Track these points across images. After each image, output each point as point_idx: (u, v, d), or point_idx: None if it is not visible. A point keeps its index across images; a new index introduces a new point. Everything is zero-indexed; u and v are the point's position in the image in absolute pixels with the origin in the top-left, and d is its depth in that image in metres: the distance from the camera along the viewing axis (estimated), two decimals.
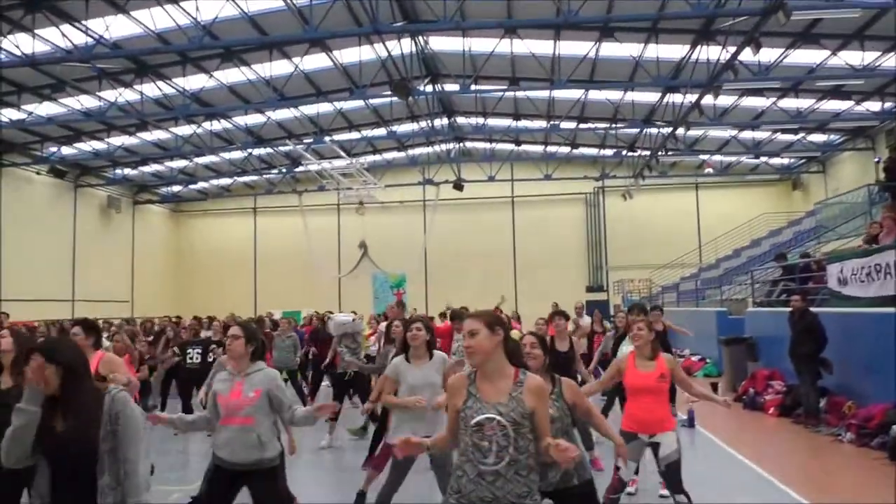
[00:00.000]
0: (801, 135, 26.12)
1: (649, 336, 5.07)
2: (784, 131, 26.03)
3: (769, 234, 27.10)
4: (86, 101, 21.23)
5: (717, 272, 23.63)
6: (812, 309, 10.49)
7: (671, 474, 4.92)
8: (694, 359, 16.59)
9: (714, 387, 12.74)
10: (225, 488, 4.16)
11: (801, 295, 9.84)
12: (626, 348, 6.28)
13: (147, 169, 30.81)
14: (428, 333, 5.24)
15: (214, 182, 33.87)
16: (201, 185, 34.32)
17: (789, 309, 10.01)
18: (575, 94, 23.38)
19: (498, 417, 2.81)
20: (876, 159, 22.45)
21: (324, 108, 24.73)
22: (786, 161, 30.83)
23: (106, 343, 11.23)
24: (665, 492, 6.16)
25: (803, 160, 30.00)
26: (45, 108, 21.55)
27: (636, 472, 6.31)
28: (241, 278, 36.34)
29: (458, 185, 29.56)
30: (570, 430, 3.80)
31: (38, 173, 26.23)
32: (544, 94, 23.82)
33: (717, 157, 30.66)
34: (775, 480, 6.60)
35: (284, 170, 31.26)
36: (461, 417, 2.90)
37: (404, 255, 33.09)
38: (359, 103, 24.45)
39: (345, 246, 35.31)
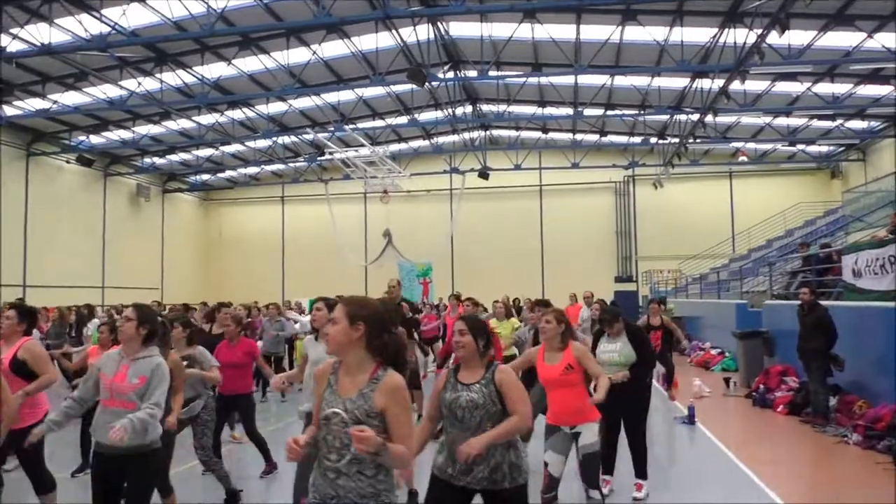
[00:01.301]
0: (838, 121, 25.13)
1: (557, 329, 4.84)
2: (820, 118, 25.08)
3: (805, 224, 26.20)
4: (109, 91, 21.44)
5: (747, 263, 22.90)
6: (827, 302, 9.98)
7: (588, 466, 4.73)
8: (714, 352, 16.06)
9: (727, 382, 12.33)
10: (108, 476, 4.00)
11: (809, 287, 9.33)
12: (610, 345, 5.97)
13: (174, 157, 31.15)
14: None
15: (242, 170, 34.11)
16: (229, 173, 34.60)
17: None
18: (600, 79, 22.85)
19: (342, 413, 2.64)
20: None
21: (345, 95, 24.62)
22: (824, 149, 29.76)
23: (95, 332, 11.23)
24: (639, 494, 5.88)
25: (842, 148, 28.91)
26: (71, 98, 21.86)
27: (607, 472, 6.03)
28: (270, 266, 36.64)
29: (484, 174, 29.25)
30: (501, 419, 3.45)
31: (67, 162, 26.68)
32: (569, 80, 23.29)
33: (752, 145, 29.75)
34: (764, 486, 6.21)
35: (309, 158, 31.24)
36: (321, 409, 2.77)
37: (431, 244, 32.91)
38: (380, 91, 24.22)
39: (371, 234, 35.31)
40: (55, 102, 21.61)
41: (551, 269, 33.58)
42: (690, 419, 9.09)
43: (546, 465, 4.76)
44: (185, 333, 6.02)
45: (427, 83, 19.37)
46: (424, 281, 34.10)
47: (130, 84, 20.49)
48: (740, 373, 12.71)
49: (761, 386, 10.92)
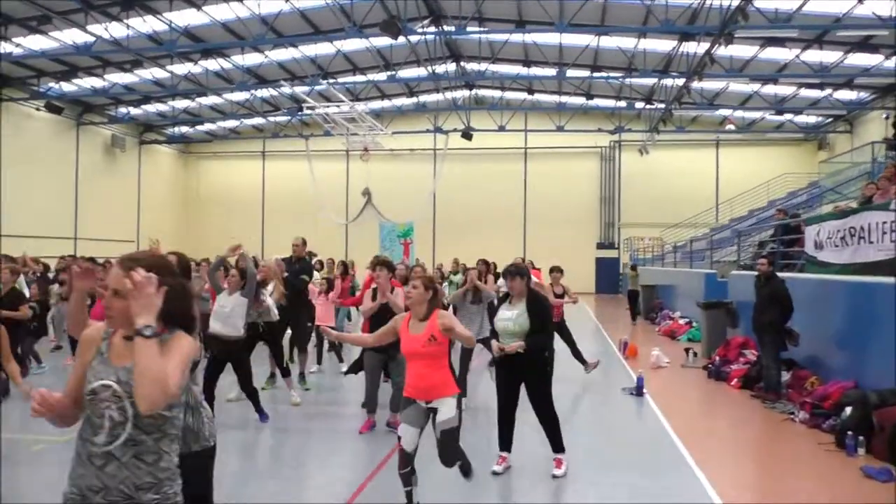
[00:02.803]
0: (826, 91, 24.62)
1: (424, 295, 4.45)
2: (809, 86, 24.58)
3: (787, 195, 25.81)
4: (76, 36, 20.67)
5: (724, 233, 22.61)
6: (788, 274, 9.67)
7: (447, 442, 4.37)
8: (682, 322, 15.81)
9: (687, 352, 12.07)
10: None
11: (767, 258, 8.99)
12: (507, 312, 5.53)
13: (150, 108, 30.38)
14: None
15: (222, 124, 33.39)
16: (209, 126, 33.87)
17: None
18: (585, 39, 22.26)
19: (114, 385, 2.17)
20: (885, 115, 21.01)
21: (323, 48, 23.93)
22: (812, 119, 29.30)
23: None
24: (559, 471, 5.56)
25: (830, 119, 28.45)
26: (36, 42, 21.10)
27: (505, 449, 5.67)
28: (250, 221, 36.19)
29: (467, 135, 28.71)
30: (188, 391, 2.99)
31: (37, 109, 25.94)
32: (554, 39, 22.70)
33: (740, 114, 29.26)
34: (693, 464, 5.91)
35: (289, 113, 30.54)
36: (87, 381, 2.24)
37: (412, 205, 32.46)
38: (360, 45, 23.59)
39: (352, 192, 34.84)
40: (18, 45, 20.85)
41: (533, 232, 33.27)
42: (638, 391, 8.80)
43: (399, 438, 4.42)
44: None
45: (404, 37, 18.74)
46: (405, 241, 33.79)
47: (97, 29, 19.77)
48: (702, 344, 12.45)
49: (717, 358, 10.66)
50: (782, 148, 31.68)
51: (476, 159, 33.31)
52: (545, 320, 5.44)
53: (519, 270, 5.56)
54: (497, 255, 20.57)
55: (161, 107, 30.38)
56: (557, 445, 5.61)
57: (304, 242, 9.52)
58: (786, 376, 8.77)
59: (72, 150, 28.46)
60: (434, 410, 4.40)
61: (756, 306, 8.75)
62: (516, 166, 34.09)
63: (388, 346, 6.66)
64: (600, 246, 33.19)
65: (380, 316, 6.59)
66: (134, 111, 30.31)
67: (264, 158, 36.67)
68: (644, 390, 8.82)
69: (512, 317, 5.43)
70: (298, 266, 9.32)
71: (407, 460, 4.39)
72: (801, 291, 8.80)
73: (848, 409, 6.80)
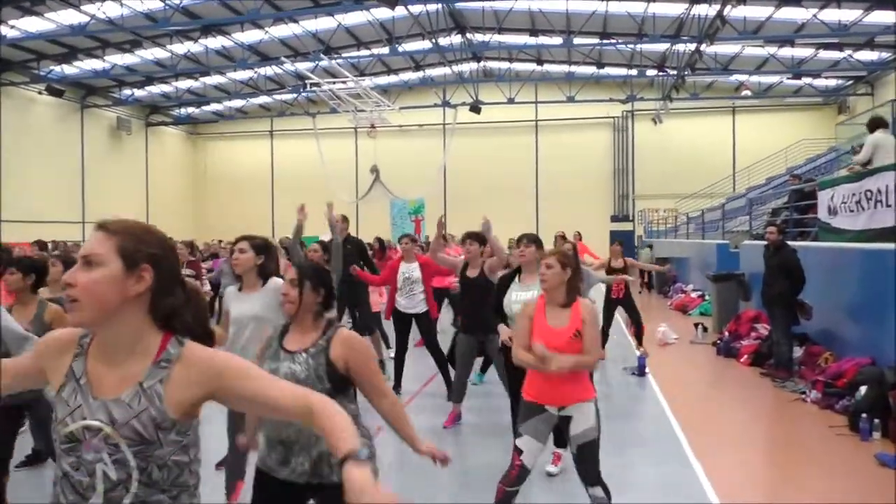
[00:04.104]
0: (846, 52, 23.65)
1: (562, 276, 3.61)
2: (827, 47, 23.59)
3: (807, 161, 24.99)
4: (71, 16, 20.28)
5: (738, 201, 21.91)
6: (801, 243, 9.13)
7: (587, 458, 3.59)
8: (694, 295, 15.29)
9: (696, 326, 11.60)
10: None
11: (776, 227, 8.44)
12: (523, 293, 4.89)
13: (154, 89, 30.03)
14: (259, 255, 4.03)
15: (228, 104, 32.99)
16: (215, 106, 33.50)
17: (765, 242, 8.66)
18: (593, 5, 21.49)
19: (106, 429, 1.50)
20: None
21: (325, 23, 23.37)
22: (831, 83, 28.27)
23: None
24: (554, 468, 5.11)
25: (850, 81, 27.41)
26: (32, 24, 20.75)
27: (559, 445, 5.13)
28: (259, 201, 35.89)
29: (476, 108, 28.07)
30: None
31: (40, 93, 25.68)
32: (560, 5, 21.95)
33: (756, 79, 28.29)
34: (691, 454, 5.46)
35: (294, 91, 30.06)
36: (54, 418, 1.58)
37: (423, 181, 31.93)
38: (362, 18, 23.02)
39: (361, 170, 34.33)
40: (13, 27, 20.52)
41: (546, 206, 32.65)
42: (640, 371, 8.35)
43: (519, 452, 3.63)
44: None
45: (404, 6, 18.20)
46: (417, 218, 33.28)
47: (91, 9, 19.39)
48: (713, 318, 11.95)
49: (727, 333, 10.16)
50: (801, 113, 30.69)
51: (486, 133, 32.68)
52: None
53: (534, 238, 4.86)
54: (510, 229, 20.15)
55: (165, 88, 30.02)
56: (561, 439, 4.97)
57: (346, 219, 8.67)
58: (798, 352, 8.29)
59: (77, 133, 28.24)
60: (567, 419, 3.62)
61: (765, 278, 8.26)
62: (527, 139, 33.41)
63: (481, 328, 5.98)
64: (614, 219, 32.51)
65: (472, 291, 6.15)
66: (138, 93, 30.01)
67: (272, 137, 36.28)
68: (646, 370, 8.37)
69: (532, 298, 4.08)
70: (350, 246, 8.33)
71: (520, 479, 3.63)
72: (814, 260, 8.28)
73: (863, 389, 6.32)
